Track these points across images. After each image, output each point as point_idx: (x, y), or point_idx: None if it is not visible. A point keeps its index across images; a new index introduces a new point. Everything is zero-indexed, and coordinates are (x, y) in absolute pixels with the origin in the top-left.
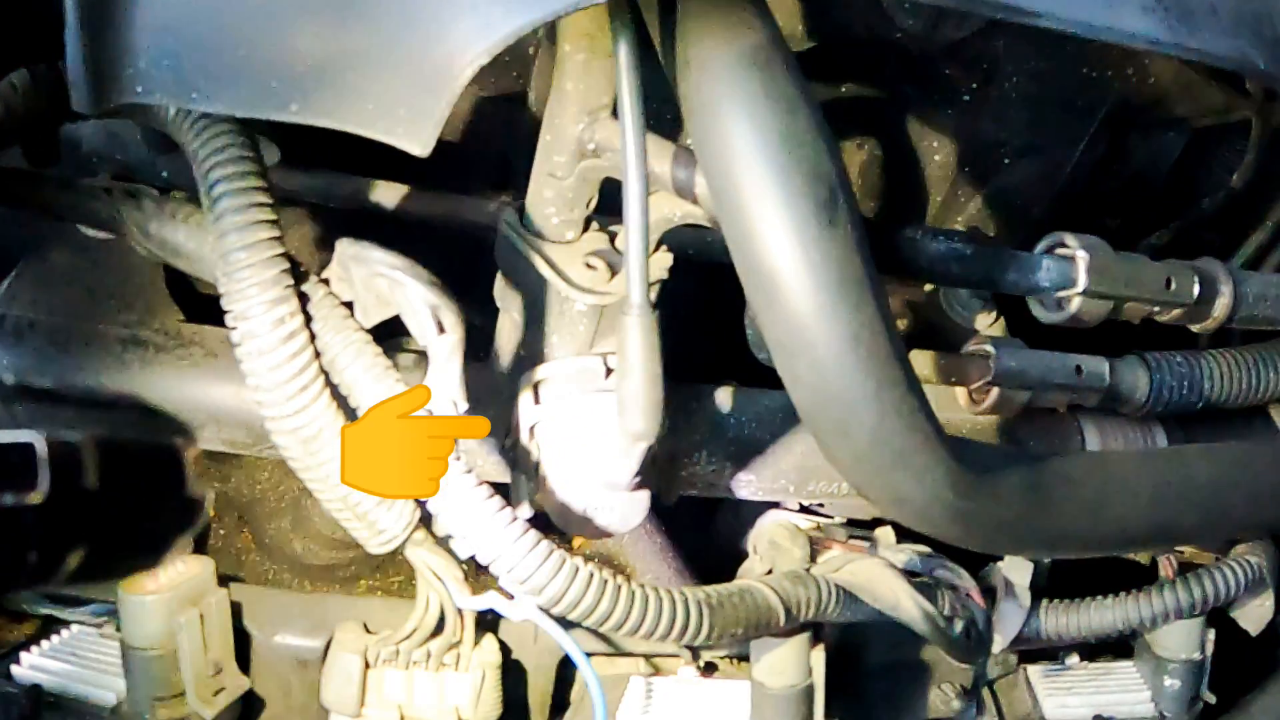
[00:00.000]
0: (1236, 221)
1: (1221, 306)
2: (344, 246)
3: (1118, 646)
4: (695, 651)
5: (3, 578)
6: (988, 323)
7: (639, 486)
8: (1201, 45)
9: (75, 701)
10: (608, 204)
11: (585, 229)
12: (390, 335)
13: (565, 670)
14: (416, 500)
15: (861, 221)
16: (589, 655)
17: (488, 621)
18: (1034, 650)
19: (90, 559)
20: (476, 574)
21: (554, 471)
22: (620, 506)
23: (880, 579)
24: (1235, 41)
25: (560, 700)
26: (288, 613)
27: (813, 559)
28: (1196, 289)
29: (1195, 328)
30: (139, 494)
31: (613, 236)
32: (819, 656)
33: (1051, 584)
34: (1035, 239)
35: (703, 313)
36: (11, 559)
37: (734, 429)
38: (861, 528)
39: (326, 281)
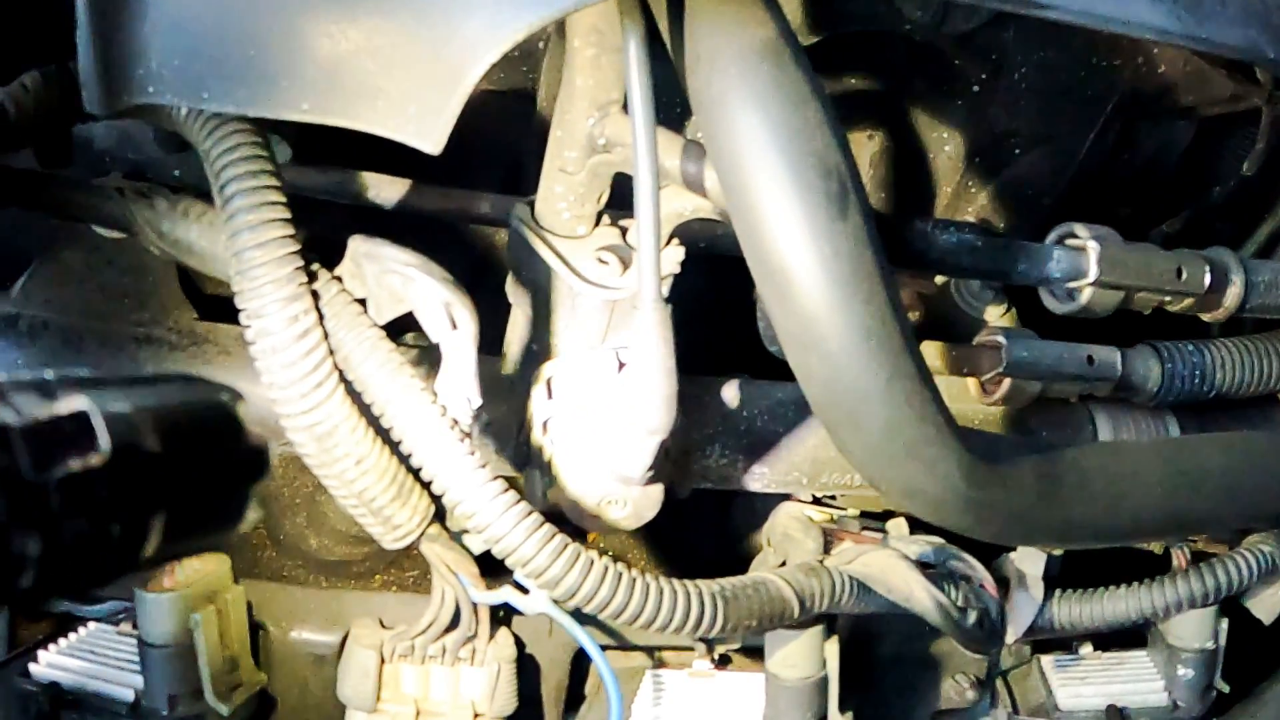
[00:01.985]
0: (1247, 210)
1: (1233, 296)
2: (356, 243)
3: (1131, 636)
4: (710, 644)
5: (93, 554)
6: (999, 314)
7: (652, 480)
8: (1210, 35)
9: (93, 699)
10: (619, 198)
11: (596, 224)
12: (403, 331)
13: (580, 664)
14: (431, 495)
15: (872, 214)
16: (603, 649)
17: (502, 616)
18: (1047, 640)
19: (172, 526)
20: (491, 569)
21: (567, 466)
22: (634, 501)
23: (893, 570)
24: (1244, 31)
25: (575, 694)
26: (303, 608)
27: (826, 551)
28: (1207, 278)
29: (1206, 317)
30: (202, 457)
31: (624, 231)
32: (833, 648)
33: (1064, 574)
34: (1046, 230)
35: (714, 306)
36: (96, 533)
37: (746, 422)
38: (874, 519)
39: (339, 279)
